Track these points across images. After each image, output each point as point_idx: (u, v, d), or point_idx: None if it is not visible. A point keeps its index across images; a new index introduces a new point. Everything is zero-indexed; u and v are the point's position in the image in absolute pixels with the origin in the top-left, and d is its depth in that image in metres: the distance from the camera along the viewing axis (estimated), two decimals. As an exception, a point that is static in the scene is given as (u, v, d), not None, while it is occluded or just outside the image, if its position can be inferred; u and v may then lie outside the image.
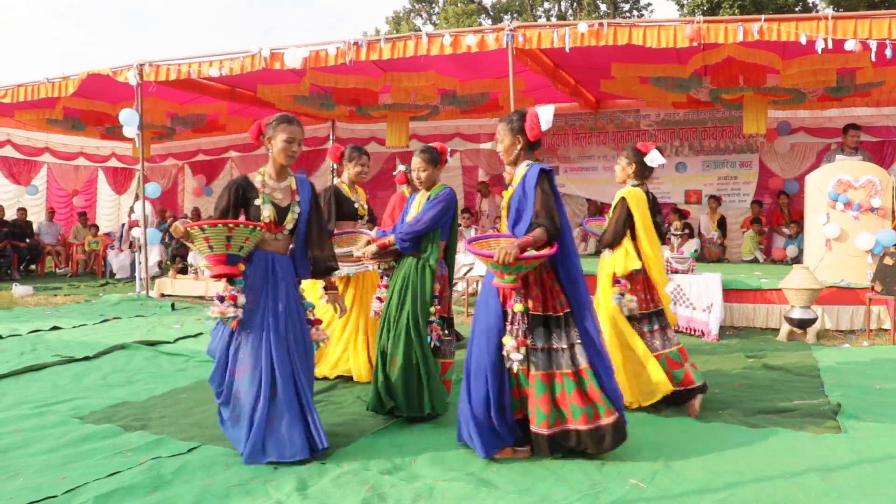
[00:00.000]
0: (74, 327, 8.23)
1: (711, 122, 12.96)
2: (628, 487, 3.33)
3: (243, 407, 3.76)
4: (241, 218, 3.94)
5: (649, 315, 4.75)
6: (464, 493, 3.28)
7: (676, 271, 7.74)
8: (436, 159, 4.74)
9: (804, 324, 7.18)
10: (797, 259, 10.48)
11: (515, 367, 3.55)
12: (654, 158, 4.89)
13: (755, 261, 11.65)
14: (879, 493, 3.28)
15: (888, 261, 7.06)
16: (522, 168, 3.81)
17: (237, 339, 3.82)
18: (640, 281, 4.76)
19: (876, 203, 7.93)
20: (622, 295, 4.67)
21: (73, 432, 4.24)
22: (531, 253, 3.50)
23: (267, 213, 3.88)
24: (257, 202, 3.90)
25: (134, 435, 4.17)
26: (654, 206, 4.91)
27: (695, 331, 7.52)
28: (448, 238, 4.74)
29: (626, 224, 4.83)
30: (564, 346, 3.63)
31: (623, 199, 4.90)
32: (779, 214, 12.33)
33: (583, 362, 3.62)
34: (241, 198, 3.93)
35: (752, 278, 8.31)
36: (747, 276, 8.56)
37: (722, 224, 12.44)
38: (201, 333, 7.77)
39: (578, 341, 3.65)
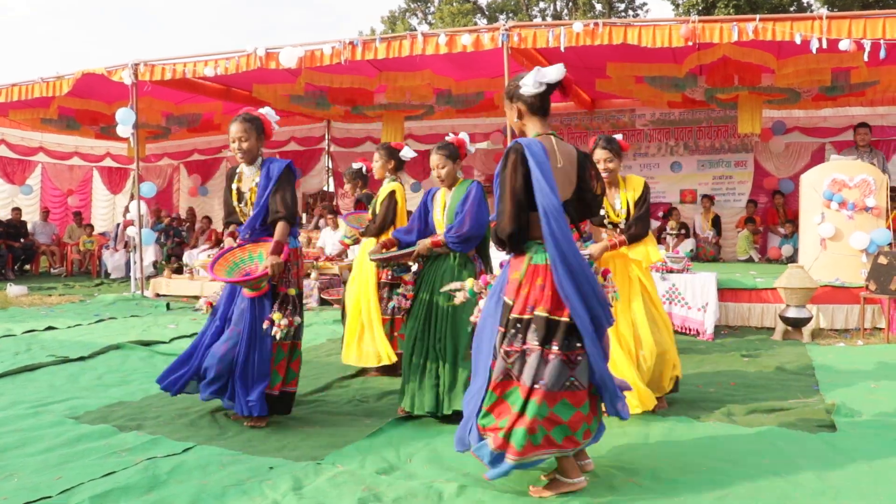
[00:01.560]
0: (69, 327, 8.21)
1: (706, 121, 12.99)
2: (625, 486, 3.34)
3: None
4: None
5: None
6: (461, 492, 3.28)
7: (672, 271, 7.75)
8: (455, 154, 4.67)
9: (799, 323, 7.20)
10: (792, 258, 10.51)
11: None
12: (406, 154, 5.83)
13: (750, 260, 11.68)
14: (875, 491, 3.29)
15: (882, 260, 7.09)
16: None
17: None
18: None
19: (870, 202, 7.96)
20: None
21: (69, 432, 4.23)
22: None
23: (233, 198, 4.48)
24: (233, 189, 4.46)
25: (129, 435, 4.16)
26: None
27: (690, 330, 7.53)
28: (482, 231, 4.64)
29: (393, 215, 5.51)
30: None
31: (392, 191, 5.63)
32: (774, 214, 12.36)
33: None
34: (230, 184, 4.49)
35: (748, 277, 8.33)
36: (742, 275, 8.58)
37: (717, 223, 12.46)
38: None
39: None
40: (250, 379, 4.24)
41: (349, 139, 15.59)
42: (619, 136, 4.97)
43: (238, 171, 4.50)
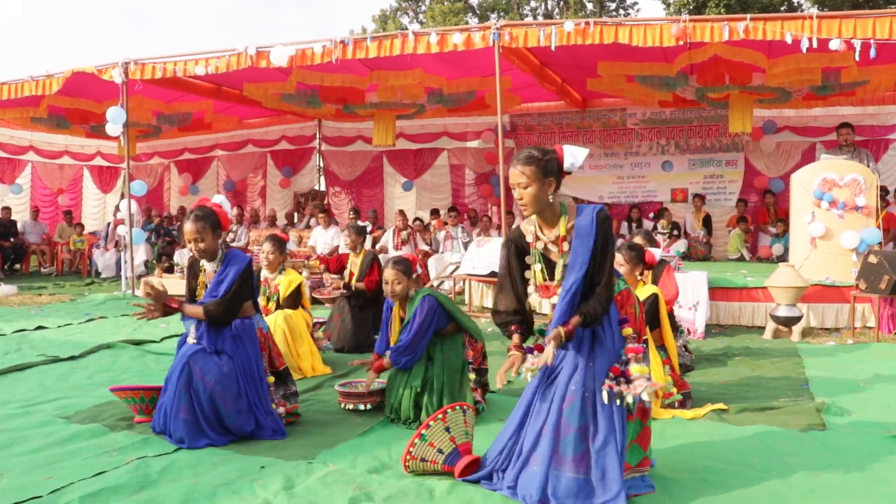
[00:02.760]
0: (59, 327, 8.17)
1: (697, 120, 13.01)
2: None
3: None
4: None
5: None
6: (452, 490, 3.28)
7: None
8: (410, 270, 4.67)
9: (789, 322, 7.23)
10: (783, 257, 10.55)
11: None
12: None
13: (741, 259, 11.71)
14: (865, 489, 3.30)
15: (872, 259, 7.12)
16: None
17: None
18: None
19: (860, 202, 7.99)
20: None
21: (59, 432, 4.21)
22: None
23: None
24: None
25: (120, 434, 4.15)
26: None
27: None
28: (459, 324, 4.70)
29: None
30: None
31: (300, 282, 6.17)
32: (764, 213, 12.41)
33: None
34: (192, 279, 4.41)
35: (738, 277, 8.36)
36: (733, 274, 8.60)
37: (707, 222, 12.49)
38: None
39: None
40: None
41: (340, 138, 15.57)
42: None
43: (201, 265, 4.37)
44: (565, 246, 3.15)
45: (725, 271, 8.95)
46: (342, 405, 4.77)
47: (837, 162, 8.44)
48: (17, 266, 15.27)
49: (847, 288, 7.58)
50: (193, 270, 4.40)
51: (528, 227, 3.26)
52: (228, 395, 4.05)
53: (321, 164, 16.04)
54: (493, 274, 9.08)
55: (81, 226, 15.72)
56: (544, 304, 3.26)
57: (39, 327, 8.06)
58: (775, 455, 3.77)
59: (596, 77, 10.80)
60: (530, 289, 3.27)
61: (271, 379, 4.40)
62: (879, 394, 5.03)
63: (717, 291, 8.08)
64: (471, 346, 4.69)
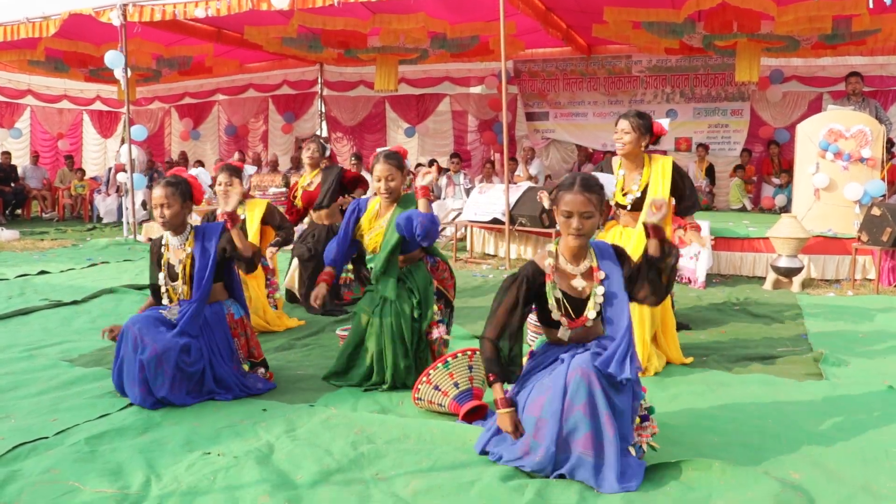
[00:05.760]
0: (62, 271, 8.21)
1: (704, 68, 12.84)
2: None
3: None
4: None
5: None
6: (452, 433, 3.33)
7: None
8: (403, 164, 4.19)
9: (790, 272, 7.23)
10: (786, 208, 10.51)
11: None
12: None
13: (743, 209, 11.68)
14: (860, 437, 3.34)
15: (876, 211, 7.09)
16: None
17: None
18: None
19: (866, 153, 7.92)
20: None
21: (63, 375, 4.26)
22: None
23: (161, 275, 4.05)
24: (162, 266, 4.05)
25: (124, 378, 4.19)
26: None
27: (682, 278, 7.56)
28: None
29: None
30: None
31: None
32: (768, 163, 12.33)
33: None
34: (156, 263, 4.09)
35: (741, 227, 8.34)
36: (735, 224, 8.59)
37: (710, 172, 12.42)
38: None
39: None
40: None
41: (342, 83, 15.40)
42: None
43: (164, 241, 4.08)
44: (600, 275, 3.06)
45: (727, 221, 8.93)
46: None
47: (844, 112, 8.34)
48: (19, 211, 15.28)
49: (849, 240, 7.56)
50: (156, 252, 4.10)
51: (547, 259, 3.10)
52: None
53: (323, 110, 15.90)
54: (494, 221, 9.07)
55: (82, 171, 15.66)
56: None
57: (42, 272, 8.09)
58: (772, 403, 3.81)
59: (601, 23, 10.60)
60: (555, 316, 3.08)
61: (246, 367, 4.11)
62: (877, 345, 5.06)
63: (719, 241, 8.07)
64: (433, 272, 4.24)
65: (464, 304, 6.19)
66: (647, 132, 4.55)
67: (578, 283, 3.08)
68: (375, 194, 4.24)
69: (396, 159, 4.14)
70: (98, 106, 17.23)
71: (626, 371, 2.86)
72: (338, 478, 2.92)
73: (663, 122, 4.58)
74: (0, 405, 3.74)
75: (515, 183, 10.28)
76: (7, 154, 15.05)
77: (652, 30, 10.51)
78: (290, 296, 6.52)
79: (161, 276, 4.04)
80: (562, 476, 2.87)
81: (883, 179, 8.04)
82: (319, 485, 2.85)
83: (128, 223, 11.60)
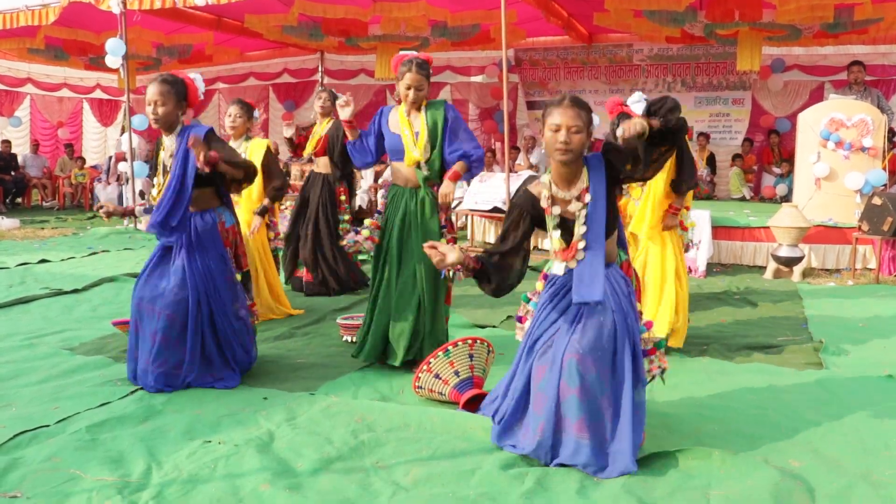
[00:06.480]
0: (63, 260, 8.21)
1: (705, 57, 12.80)
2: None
3: None
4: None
5: None
6: (452, 421, 3.33)
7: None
8: (430, 72, 4.23)
9: (791, 262, 7.23)
10: (787, 198, 10.49)
11: None
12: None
13: (743, 198, 11.66)
14: (858, 427, 3.35)
15: (876, 201, 7.08)
16: None
17: None
18: None
19: (867, 143, 7.90)
20: None
21: (64, 363, 4.26)
22: None
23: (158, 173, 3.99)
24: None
25: (124, 366, 4.18)
26: None
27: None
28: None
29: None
30: None
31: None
32: (769, 153, 12.30)
33: None
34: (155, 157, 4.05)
35: (741, 216, 8.33)
36: (736, 213, 8.58)
37: (711, 161, 12.40)
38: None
39: None
40: None
41: (343, 71, 15.35)
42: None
43: (160, 140, 4.03)
44: (587, 197, 2.95)
45: (728, 210, 8.92)
46: (343, 338, 4.82)
47: (846, 102, 8.31)
48: (19, 200, 15.26)
49: (849, 229, 7.56)
50: (154, 153, 4.10)
51: (541, 190, 3.02)
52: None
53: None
54: (495, 209, 9.06)
55: (83, 159, 15.63)
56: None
57: (43, 260, 8.09)
58: (772, 392, 3.82)
59: (603, 11, 10.56)
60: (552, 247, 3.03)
61: (239, 277, 4.06)
62: (877, 335, 5.06)
63: (720, 230, 8.06)
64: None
65: (464, 293, 6.20)
66: None
67: (574, 206, 2.97)
68: (399, 102, 4.27)
69: (427, 69, 4.18)
70: (98, 94, 17.17)
71: (594, 293, 2.84)
72: (338, 466, 2.93)
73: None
74: (1, 393, 3.74)
75: (516, 172, 10.26)
76: (7, 142, 15.02)
77: (653, 18, 10.47)
78: (294, 284, 6.56)
79: (155, 178, 3.99)
80: (562, 465, 2.89)
81: (884, 169, 8.02)
82: (320, 473, 2.86)
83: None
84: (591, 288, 2.85)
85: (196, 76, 4.05)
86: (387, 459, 2.98)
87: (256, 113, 5.71)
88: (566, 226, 2.99)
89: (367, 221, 4.43)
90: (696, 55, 12.84)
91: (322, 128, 6.73)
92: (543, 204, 3.00)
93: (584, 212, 2.94)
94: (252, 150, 5.39)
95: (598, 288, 2.85)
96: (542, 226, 3.05)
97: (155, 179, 4.02)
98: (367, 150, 4.32)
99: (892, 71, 11.93)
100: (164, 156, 3.96)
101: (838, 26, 10.00)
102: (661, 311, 4.58)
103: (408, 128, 4.17)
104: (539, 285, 3.16)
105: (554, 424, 2.88)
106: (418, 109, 4.20)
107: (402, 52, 4.31)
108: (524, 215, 3.05)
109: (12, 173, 14.68)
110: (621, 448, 2.85)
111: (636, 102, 4.73)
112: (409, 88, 4.11)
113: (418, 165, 4.16)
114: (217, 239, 3.97)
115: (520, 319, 3.24)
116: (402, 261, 4.18)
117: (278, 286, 5.73)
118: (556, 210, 2.99)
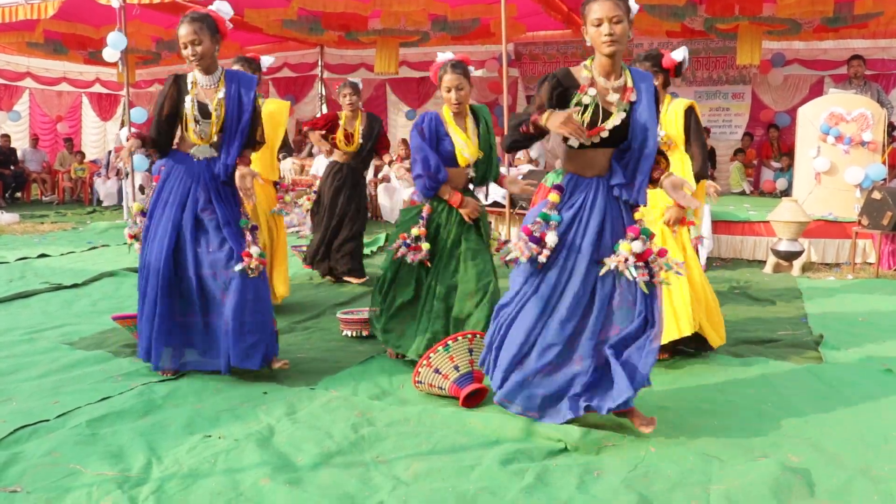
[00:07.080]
0: (62, 254, 8.21)
1: (705, 52, 12.78)
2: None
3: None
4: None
5: None
6: (452, 416, 3.34)
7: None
8: (468, 72, 4.29)
9: (790, 256, 7.23)
10: (787, 192, 10.50)
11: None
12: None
13: (743, 193, 11.67)
14: (857, 421, 3.35)
15: (876, 195, 7.08)
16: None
17: None
18: None
19: (867, 137, 7.90)
20: None
21: (64, 358, 4.26)
22: None
23: (188, 110, 3.80)
24: (187, 102, 3.81)
25: (124, 360, 4.20)
26: None
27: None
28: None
29: None
30: None
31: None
32: (768, 147, 12.30)
33: None
34: (174, 98, 3.85)
35: (741, 210, 8.34)
36: (736, 207, 8.58)
37: (711, 156, 12.39)
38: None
39: None
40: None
41: (343, 66, 15.34)
42: None
43: (191, 79, 3.84)
44: (633, 96, 3.04)
45: (728, 205, 8.92)
46: (343, 332, 4.82)
47: (846, 96, 8.30)
48: (18, 194, 15.24)
49: (849, 224, 7.56)
50: (178, 87, 3.85)
51: (583, 72, 3.08)
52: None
53: (323, 92, 15.83)
54: (495, 204, 9.06)
55: (82, 154, 15.62)
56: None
57: (42, 255, 8.09)
58: (771, 386, 3.82)
59: (603, 5, 10.55)
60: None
61: (243, 224, 3.93)
62: (877, 329, 5.06)
63: (720, 225, 8.07)
64: None
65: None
66: (658, 70, 4.48)
67: (612, 97, 3.04)
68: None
69: (462, 68, 4.22)
70: (97, 88, 17.16)
71: (639, 195, 3.10)
72: (338, 460, 2.93)
73: (676, 54, 4.47)
74: (1, 388, 3.74)
75: (516, 166, 10.25)
76: (6, 137, 15.01)
77: (653, 13, 10.46)
78: (311, 257, 6.66)
79: (190, 113, 3.79)
80: (577, 396, 3.07)
81: (884, 163, 8.01)
82: (320, 467, 2.87)
83: (128, 206, 11.58)
84: (638, 192, 3.10)
85: (219, 6, 3.92)
86: (387, 454, 2.98)
87: (265, 61, 5.39)
88: (596, 112, 3.04)
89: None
90: (696, 49, 12.80)
91: (352, 126, 6.69)
92: (583, 83, 3.05)
93: (620, 110, 3.04)
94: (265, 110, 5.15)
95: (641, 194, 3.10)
96: (564, 105, 3.08)
97: (191, 114, 3.80)
98: (440, 169, 4.15)
99: (892, 65, 11.92)
100: (198, 93, 3.83)
101: (838, 20, 10.00)
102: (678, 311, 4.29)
103: (457, 132, 4.23)
104: (553, 196, 3.18)
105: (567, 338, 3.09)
106: (464, 112, 4.28)
107: (438, 59, 4.37)
108: (555, 81, 3.09)
109: (12, 168, 14.68)
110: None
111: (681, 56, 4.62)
112: (449, 91, 4.20)
113: (467, 167, 4.24)
114: (235, 193, 3.95)
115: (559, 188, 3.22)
116: (457, 262, 4.14)
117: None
118: (592, 91, 3.04)
